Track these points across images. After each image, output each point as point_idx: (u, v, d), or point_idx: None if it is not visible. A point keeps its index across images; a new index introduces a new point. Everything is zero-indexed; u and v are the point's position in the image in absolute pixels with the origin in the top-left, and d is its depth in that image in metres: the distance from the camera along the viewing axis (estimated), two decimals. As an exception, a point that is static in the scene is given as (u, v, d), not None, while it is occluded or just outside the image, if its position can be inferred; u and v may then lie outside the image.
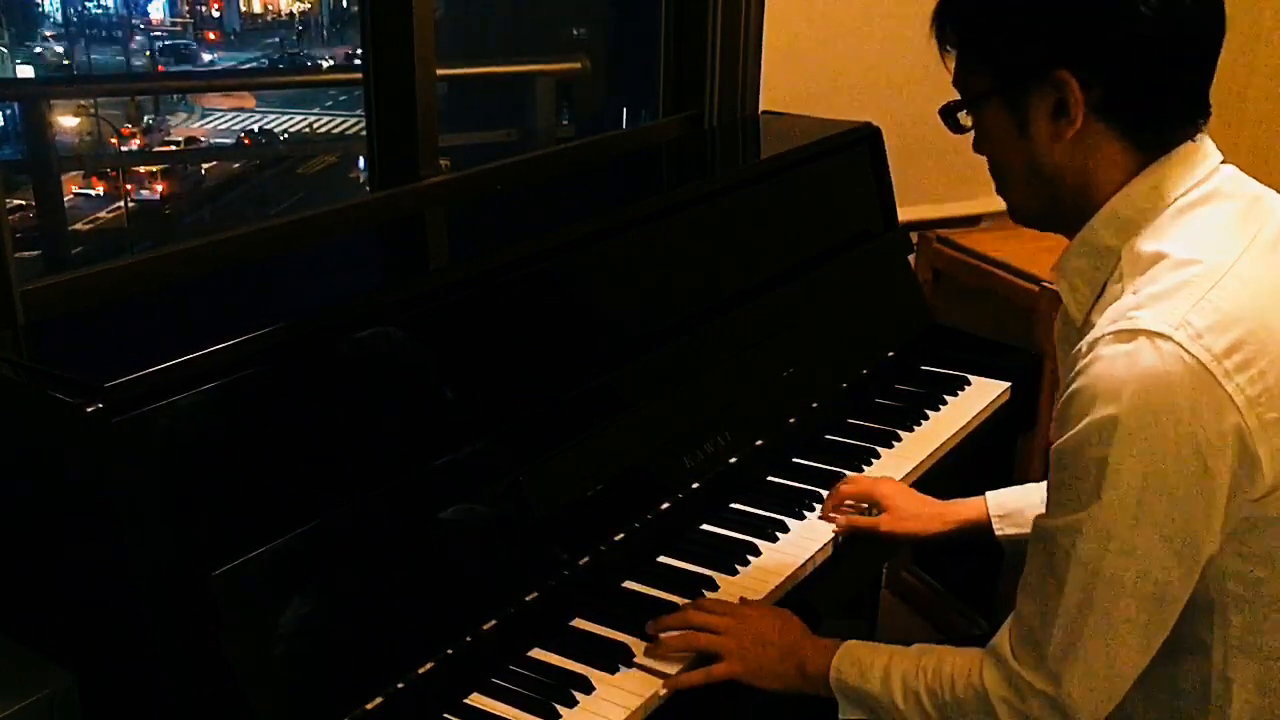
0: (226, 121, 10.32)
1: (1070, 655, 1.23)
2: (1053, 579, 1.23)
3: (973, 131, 1.34)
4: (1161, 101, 1.24)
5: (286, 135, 10.21)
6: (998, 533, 1.66)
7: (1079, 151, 1.26)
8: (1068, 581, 1.21)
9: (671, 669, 1.45)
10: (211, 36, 10.85)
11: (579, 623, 1.54)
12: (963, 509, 1.71)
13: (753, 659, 1.44)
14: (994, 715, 1.28)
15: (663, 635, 1.48)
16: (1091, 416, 1.16)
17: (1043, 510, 1.59)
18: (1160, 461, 1.15)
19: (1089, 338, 1.20)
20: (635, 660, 1.47)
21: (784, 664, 1.44)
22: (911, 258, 2.64)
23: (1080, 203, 1.29)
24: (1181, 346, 1.14)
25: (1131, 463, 1.15)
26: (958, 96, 1.34)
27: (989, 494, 1.69)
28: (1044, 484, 1.63)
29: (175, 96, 10.08)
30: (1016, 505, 1.66)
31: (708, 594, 1.58)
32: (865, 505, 1.77)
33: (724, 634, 1.46)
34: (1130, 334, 1.16)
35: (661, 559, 1.67)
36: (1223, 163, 1.28)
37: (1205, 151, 1.27)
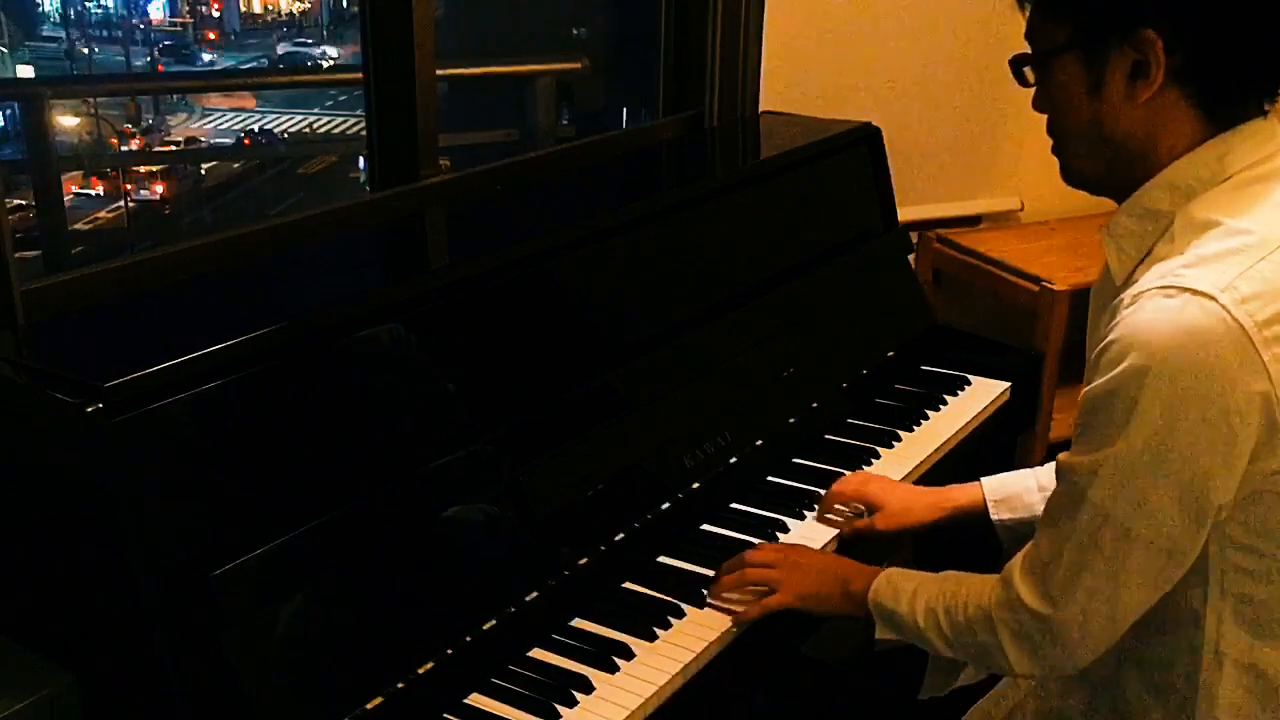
0: (226, 121, 10.31)
1: (1071, 589, 1.26)
2: (1066, 515, 1.26)
3: (1035, 88, 1.33)
4: (1242, 73, 1.24)
5: (286, 135, 10.21)
6: (994, 518, 1.67)
7: (1149, 116, 1.25)
8: (1079, 520, 1.24)
9: (735, 608, 1.54)
10: (212, 36, 10.85)
11: (579, 623, 1.54)
12: (957, 495, 1.72)
13: (801, 586, 1.53)
14: (995, 633, 1.33)
15: (722, 579, 1.57)
16: (1126, 364, 1.18)
17: (1039, 498, 1.62)
18: (1185, 415, 1.16)
19: (1133, 290, 1.21)
20: (637, 655, 1.47)
21: (830, 587, 1.52)
22: (911, 258, 2.64)
23: (1139, 167, 1.28)
24: (1225, 308, 1.15)
25: (1157, 412, 1.17)
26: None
27: (984, 479, 1.70)
28: (1039, 469, 1.65)
29: (175, 96, 10.08)
30: (1013, 490, 1.67)
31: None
32: (860, 509, 1.77)
33: (776, 568, 1.54)
34: (1177, 290, 1.17)
35: (661, 559, 1.67)
36: None
37: (1273, 131, 1.27)
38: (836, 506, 1.78)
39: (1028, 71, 1.33)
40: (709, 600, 1.56)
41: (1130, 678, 1.34)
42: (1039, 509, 1.61)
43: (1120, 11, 1.22)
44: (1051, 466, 1.64)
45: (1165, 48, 1.21)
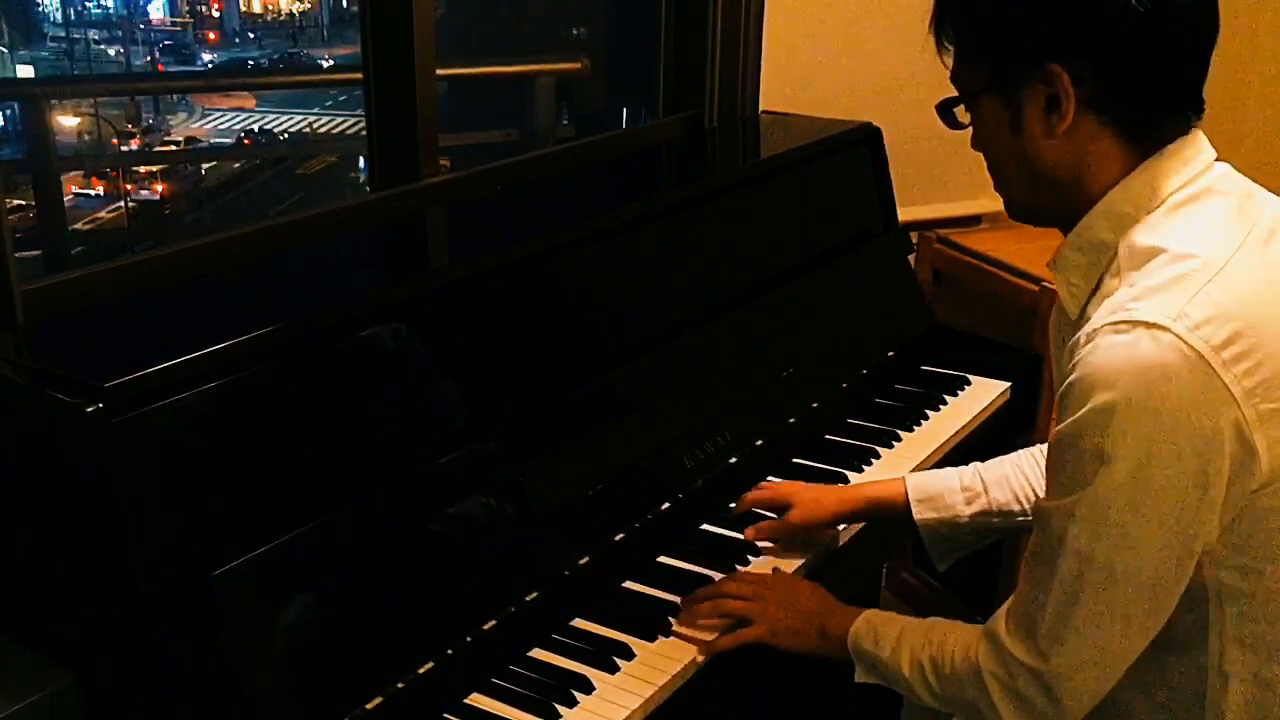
0: (226, 121, 10.31)
1: (1061, 637, 1.24)
2: (1047, 562, 1.24)
3: (970, 128, 1.34)
4: (1154, 96, 1.25)
5: (286, 135, 10.20)
6: (916, 517, 1.65)
7: (1072, 146, 1.26)
8: (1060, 565, 1.22)
9: (706, 636, 1.50)
10: (212, 36, 10.85)
11: (579, 623, 1.54)
12: (874, 489, 1.71)
13: (779, 623, 1.49)
14: (985, 690, 1.30)
15: (695, 607, 1.53)
16: (1090, 404, 1.17)
17: (962, 498, 1.62)
18: (1157, 449, 1.15)
19: (1087, 329, 1.21)
20: (637, 655, 1.47)
21: (807, 626, 1.49)
22: (911, 258, 2.64)
23: (1075, 198, 1.29)
24: (1180, 337, 1.15)
25: (1128, 450, 1.16)
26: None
27: (908, 476, 1.69)
28: (963, 469, 1.65)
29: (175, 96, 10.08)
30: (935, 490, 1.65)
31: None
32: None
33: (753, 600, 1.51)
34: (1129, 325, 1.17)
35: (661, 559, 1.67)
36: (1216, 160, 1.29)
37: (1199, 147, 1.28)
38: (753, 510, 1.75)
39: (959, 113, 1.34)
40: (676, 628, 1.52)
41: (1134, 698, 1.32)
42: (961, 510, 1.62)
43: (1026, 48, 1.24)
44: (975, 467, 1.64)
45: (1072, 79, 1.22)
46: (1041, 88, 1.24)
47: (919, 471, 1.70)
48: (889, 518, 1.69)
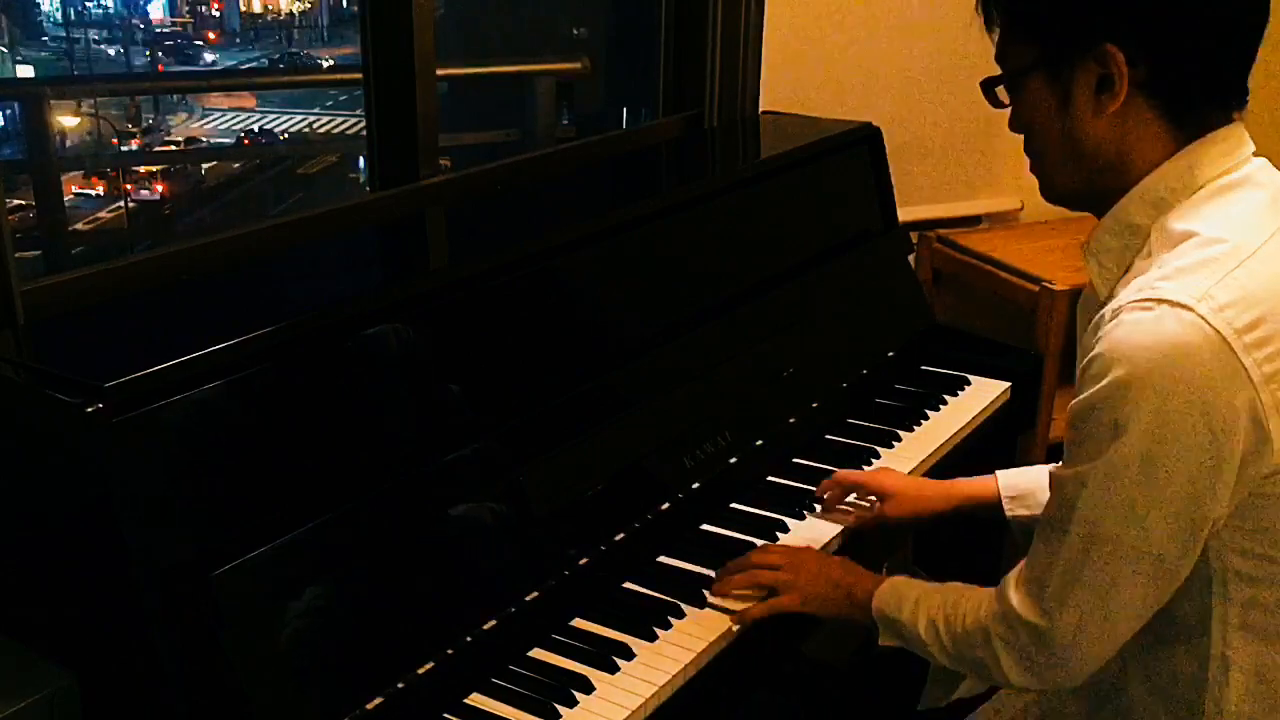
0: (226, 121, 10.29)
1: (1065, 600, 1.26)
2: (1058, 527, 1.26)
3: (1010, 108, 1.34)
4: (1205, 81, 1.25)
5: (286, 135, 10.19)
6: (1009, 513, 1.66)
7: (1118, 128, 1.27)
8: (1070, 532, 1.25)
9: (739, 606, 1.55)
10: (212, 36, 10.84)
11: (579, 623, 1.54)
12: (969, 487, 1.72)
13: (809, 590, 1.54)
14: (992, 648, 1.33)
15: (728, 577, 1.58)
16: (1109, 377, 1.18)
17: None
18: (1171, 426, 1.16)
19: (1112, 305, 1.22)
20: (637, 655, 1.47)
21: (836, 592, 1.53)
22: (911, 258, 2.64)
23: (1115, 181, 1.30)
24: (1203, 318, 1.16)
25: (1142, 424, 1.17)
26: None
27: (1000, 473, 1.70)
28: (1055, 466, 1.65)
29: (175, 96, 10.06)
30: (1029, 487, 1.66)
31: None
32: (871, 499, 1.77)
33: (783, 570, 1.55)
34: (1154, 302, 1.18)
35: (661, 559, 1.67)
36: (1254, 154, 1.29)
37: (1240, 138, 1.28)
38: (849, 498, 1.78)
39: (1000, 92, 1.34)
40: (711, 599, 1.56)
41: (1136, 686, 1.34)
42: None
43: (1082, 28, 1.24)
44: None
45: (1127, 60, 1.23)
46: (1094, 68, 1.24)
47: (1012, 469, 1.70)
48: (982, 515, 1.70)
